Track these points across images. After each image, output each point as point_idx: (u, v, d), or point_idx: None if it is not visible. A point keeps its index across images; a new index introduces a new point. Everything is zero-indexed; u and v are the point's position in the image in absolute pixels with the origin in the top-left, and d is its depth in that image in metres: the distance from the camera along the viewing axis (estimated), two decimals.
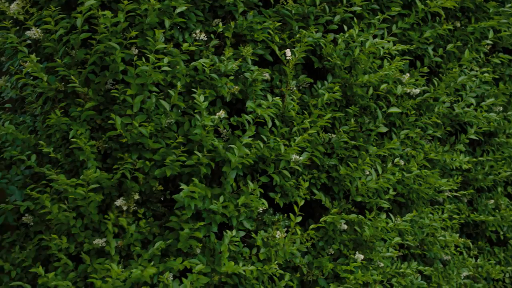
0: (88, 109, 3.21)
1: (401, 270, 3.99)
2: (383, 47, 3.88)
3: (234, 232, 3.31)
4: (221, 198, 3.26)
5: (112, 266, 3.05)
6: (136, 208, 3.31)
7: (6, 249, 3.64)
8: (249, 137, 3.39)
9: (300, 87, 3.79)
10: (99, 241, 3.19)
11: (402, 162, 4.03)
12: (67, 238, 3.28)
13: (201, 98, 3.18)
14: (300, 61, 3.67)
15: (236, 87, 3.40)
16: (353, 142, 3.85)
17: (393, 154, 4.07)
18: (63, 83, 3.29)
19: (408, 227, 3.97)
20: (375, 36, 4.03)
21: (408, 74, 4.04)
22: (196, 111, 3.22)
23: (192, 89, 3.29)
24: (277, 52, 3.57)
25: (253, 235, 3.46)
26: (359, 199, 3.88)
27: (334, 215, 3.67)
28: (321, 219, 3.63)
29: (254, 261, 3.50)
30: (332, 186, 3.88)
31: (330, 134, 3.81)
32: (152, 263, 3.23)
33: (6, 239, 3.68)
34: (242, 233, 3.46)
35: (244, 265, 3.38)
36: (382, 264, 3.90)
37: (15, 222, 3.67)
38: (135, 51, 3.20)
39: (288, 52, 3.52)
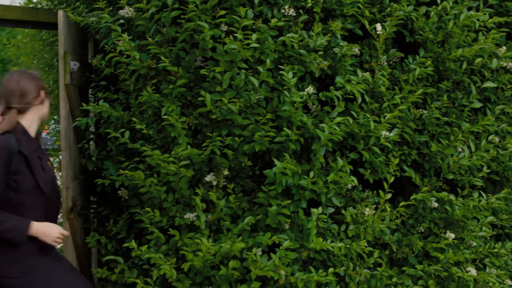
0: (179, 86, 3.26)
1: (494, 250, 3.86)
2: (478, 20, 3.73)
3: (320, 209, 3.31)
4: (311, 174, 3.25)
5: (202, 240, 3.11)
6: (225, 183, 3.35)
7: (101, 223, 3.79)
8: (338, 113, 3.37)
9: (391, 62, 3.70)
10: (189, 216, 3.26)
11: (497, 139, 3.89)
12: (159, 212, 3.37)
13: (290, 74, 3.17)
14: (391, 35, 3.58)
15: (325, 62, 3.36)
16: (445, 118, 3.74)
17: (487, 131, 3.93)
18: (154, 61, 3.36)
19: (502, 206, 3.84)
20: (469, 8, 3.87)
21: (504, 47, 3.86)
22: (285, 87, 3.22)
23: (280, 66, 3.29)
24: (367, 26, 3.50)
25: (343, 211, 3.44)
26: (450, 176, 3.77)
27: (424, 193, 3.60)
28: (411, 197, 3.56)
29: (343, 237, 3.48)
30: (422, 163, 3.80)
31: (421, 110, 3.72)
32: (241, 238, 3.28)
33: (102, 213, 3.83)
34: (331, 210, 3.45)
35: (332, 242, 3.38)
36: (474, 244, 3.79)
37: (110, 197, 3.81)
38: (224, 27, 3.21)
39: (378, 26, 3.44)
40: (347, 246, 3.39)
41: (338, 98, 3.36)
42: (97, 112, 3.48)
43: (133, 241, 3.26)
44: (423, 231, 3.77)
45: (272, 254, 3.20)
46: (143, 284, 3.25)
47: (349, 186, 3.44)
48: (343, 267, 3.42)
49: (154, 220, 3.31)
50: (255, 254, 3.17)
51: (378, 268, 3.50)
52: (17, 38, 6.60)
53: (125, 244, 3.31)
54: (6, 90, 2.84)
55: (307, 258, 3.45)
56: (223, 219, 3.30)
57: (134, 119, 3.33)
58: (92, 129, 4.16)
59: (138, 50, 3.38)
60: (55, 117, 5.76)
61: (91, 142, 4.10)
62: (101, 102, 3.47)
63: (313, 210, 3.26)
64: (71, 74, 3.61)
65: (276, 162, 3.14)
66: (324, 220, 3.41)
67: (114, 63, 3.55)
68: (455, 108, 3.86)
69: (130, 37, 3.32)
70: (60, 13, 3.58)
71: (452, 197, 3.65)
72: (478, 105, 3.83)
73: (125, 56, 3.43)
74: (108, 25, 3.42)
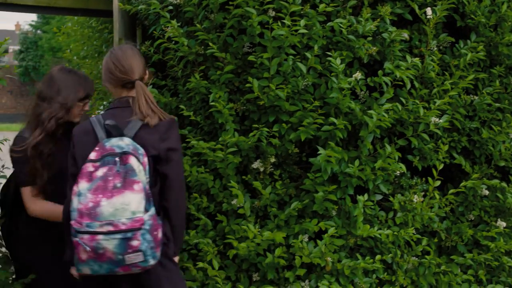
0: (226, 73, 3.27)
1: None
2: None
3: (367, 196, 3.29)
4: (357, 162, 3.23)
5: (249, 227, 3.13)
6: (272, 169, 3.36)
7: None
8: (387, 99, 3.33)
9: (441, 47, 3.63)
10: (236, 202, 3.27)
11: None
12: (207, 197, 3.39)
13: (338, 60, 3.15)
14: (441, 20, 3.50)
15: (374, 48, 3.32)
16: (497, 104, 3.66)
17: None
18: (202, 47, 3.37)
19: None
20: None
21: None
22: (332, 73, 3.19)
23: (328, 52, 3.26)
24: (417, 11, 3.43)
25: (390, 198, 3.41)
26: (502, 163, 3.70)
27: (474, 180, 3.54)
28: (461, 184, 3.51)
29: (390, 224, 3.46)
30: (473, 150, 3.73)
31: (472, 96, 3.64)
32: (288, 224, 3.28)
33: None
34: (379, 197, 3.42)
35: (380, 229, 3.35)
36: None
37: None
38: (272, 13, 3.20)
39: (428, 10, 3.38)
40: (395, 233, 3.36)
41: (386, 84, 3.32)
42: None
43: None
44: (473, 219, 3.71)
45: (318, 241, 3.20)
46: (194, 268, 3.29)
47: (397, 173, 3.40)
48: (390, 254, 3.41)
49: (202, 206, 3.33)
50: (301, 241, 3.17)
51: (427, 256, 3.47)
52: (67, 25, 6.70)
53: None
54: None
55: (354, 245, 3.44)
56: (270, 206, 3.31)
57: (181, 105, 3.36)
58: None
59: (186, 37, 3.40)
60: (104, 103, 5.84)
61: None
62: (149, 87, 3.51)
63: (359, 197, 3.24)
64: None
65: (321, 150, 3.13)
66: (372, 207, 3.39)
67: (162, 49, 3.57)
68: (508, 94, 3.77)
69: (178, 24, 3.34)
70: (116, 0, 3.64)
71: (504, 184, 3.58)
72: None
73: (173, 42, 3.46)
74: (156, 11, 3.44)
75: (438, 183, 3.44)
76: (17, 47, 35.34)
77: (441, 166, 3.44)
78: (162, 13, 3.34)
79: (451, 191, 3.49)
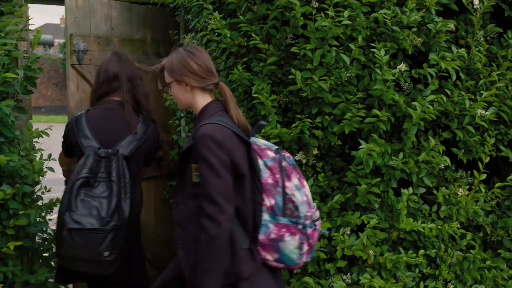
0: (269, 64, 3.27)
1: None
2: None
3: (411, 189, 3.25)
4: (401, 154, 3.20)
5: None
6: (315, 161, 3.35)
7: None
8: (432, 91, 3.28)
9: (488, 38, 3.56)
10: None
11: None
12: None
13: (382, 51, 3.11)
14: (489, 10, 3.43)
15: (419, 39, 3.27)
16: None
17: None
18: (245, 39, 3.37)
19: None
20: None
21: None
22: (376, 65, 3.16)
23: (372, 43, 3.22)
24: (464, 1, 3.36)
25: (434, 191, 3.36)
26: None
27: None
28: (508, 178, 3.44)
29: (434, 218, 3.42)
30: None
31: None
32: (330, 217, 3.27)
33: None
34: (422, 190, 3.38)
35: (423, 222, 3.32)
36: None
37: None
38: (315, 4, 3.18)
39: (475, 0, 3.31)
40: (439, 227, 3.32)
41: (431, 75, 3.27)
42: None
43: None
44: None
45: (360, 234, 3.18)
46: None
47: (442, 166, 3.35)
48: (434, 250, 3.36)
49: None
50: (342, 234, 3.15)
51: (471, 251, 3.42)
52: None
53: None
54: None
55: (397, 239, 3.40)
56: (312, 198, 3.30)
57: None
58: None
59: (229, 28, 3.40)
60: None
61: (182, 120, 4.18)
62: None
63: (403, 190, 3.21)
64: None
65: (363, 143, 3.10)
66: (415, 200, 3.35)
67: (205, 42, 3.59)
68: None
69: (221, 15, 3.34)
70: None
71: None
72: None
73: (216, 34, 3.47)
74: (199, 3, 3.46)
75: (484, 176, 3.38)
76: (62, 40, 35.92)
77: (487, 159, 3.38)
78: (205, 5, 3.35)
79: (497, 184, 3.43)
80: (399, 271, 3.27)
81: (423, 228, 3.23)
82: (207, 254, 2.31)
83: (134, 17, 4.29)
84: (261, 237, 2.49)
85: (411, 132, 3.24)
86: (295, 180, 2.53)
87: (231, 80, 3.43)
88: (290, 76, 3.17)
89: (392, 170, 3.23)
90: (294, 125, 3.20)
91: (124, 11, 4.23)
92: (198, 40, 3.66)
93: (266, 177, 2.51)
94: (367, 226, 3.15)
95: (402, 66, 3.14)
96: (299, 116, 3.19)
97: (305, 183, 2.59)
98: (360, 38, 3.11)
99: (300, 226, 2.47)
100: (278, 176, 2.51)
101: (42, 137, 3.30)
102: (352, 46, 3.13)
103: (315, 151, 3.28)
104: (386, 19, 3.18)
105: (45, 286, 3.23)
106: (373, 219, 3.19)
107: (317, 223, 2.55)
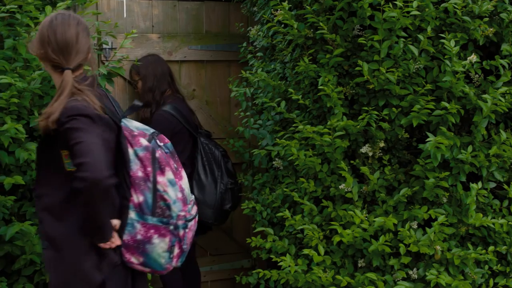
0: (336, 56, 3.24)
1: None
2: None
3: (481, 183, 3.17)
4: (470, 148, 3.12)
5: (355, 212, 3.10)
6: (381, 154, 3.31)
7: (257, 191, 3.89)
8: (504, 83, 3.19)
9: None
10: (344, 186, 3.25)
11: None
12: (314, 181, 3.39)
13: (452, 42, 3.04)
14: None
15: (491, 29, 3.18)
16: None
17: None
18: (311, 30, 3.36)
19: None
20: None
21: None
22: (446, 56, 3.09)
23: (442, 33, 3.16)
24: None
25: (505, 186, 3.27)
26: None
27: None
28: None
29: (505, 214, 3.33)
30: None
31: None
32: (396, 210, 3.23)
33: (258, 181, 3.92)
34: (493, 184, 3.30)
35: (493, 218, 3.23)
36: None
37: (266, 166, 3.89)
38: None
39: None
40: (510, 223, 3.23)
41: (504, 67, 3.19)
42: (254, 81, 3.56)
43: (286, 210, 3.32)
44: None
45: (427, 229, 3.12)
46: (293, 253, 3.32)
47: None
48: (505, 246, 3.27)
49: (308, 190, 3.33)
50: (408, 229, 3.11)
51: None
52: None
53: (279, 214, 3.38)
54: None
55: (466, 234, 3.33)
56: (378, 191, 3.27)
57: (290, 89, 3.37)
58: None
59: (296, 20, 3.40)
60: None
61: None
62: (259, 71, 3.54)
63: (473, 185, 3.13)
64: None
65: (430, 136, 3.04)
66: (485, 195, 3.26)
67: (271, 33, 3.59)
68: None
69: (289, 6, 3.34)
70: None
71: None
72: None
73: (282, 26, 3.47)
74: None
75: None
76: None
77: None
78: None
79: None
80: (468, 267, 3.20)
81: (493, 224, 3.15)
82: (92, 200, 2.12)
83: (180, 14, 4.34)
84: (126, 237, 2.29)
85: (481, 125, 3.17)
86: (169, 174, 2.31)
87: (297, 72, 3.44)
88: (357, 68, 3.14)
89: (461, 164, 3.16)
90: (360, 117, 3.17)
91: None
92: (264, 32, 3.67)
93: (136, 169, 2.30)
94: (435, 223, 3.09)
95: (473, 57, 3.07)
96: (366, 108, 3.16)
97: (183, 173, 2.36)
98: (429, 29, 3.05)
99: (171, 227, 2.28)
100: (149, 169, 2.29)
101: None
102: (420, 37, 3.07)
103: (382, 144, 3.24)
104: (457, 9, 3.10)
105: None
106: (441, 214, 3.13)
107: (192, 223, 2.33)
